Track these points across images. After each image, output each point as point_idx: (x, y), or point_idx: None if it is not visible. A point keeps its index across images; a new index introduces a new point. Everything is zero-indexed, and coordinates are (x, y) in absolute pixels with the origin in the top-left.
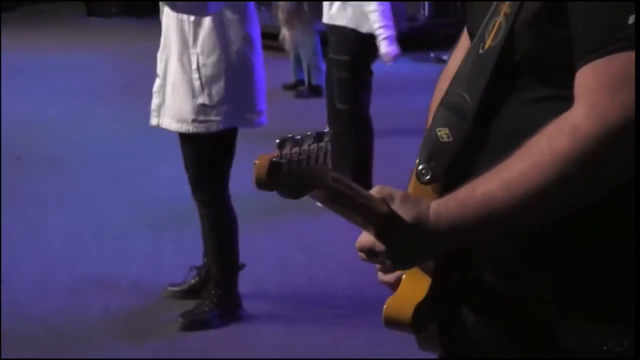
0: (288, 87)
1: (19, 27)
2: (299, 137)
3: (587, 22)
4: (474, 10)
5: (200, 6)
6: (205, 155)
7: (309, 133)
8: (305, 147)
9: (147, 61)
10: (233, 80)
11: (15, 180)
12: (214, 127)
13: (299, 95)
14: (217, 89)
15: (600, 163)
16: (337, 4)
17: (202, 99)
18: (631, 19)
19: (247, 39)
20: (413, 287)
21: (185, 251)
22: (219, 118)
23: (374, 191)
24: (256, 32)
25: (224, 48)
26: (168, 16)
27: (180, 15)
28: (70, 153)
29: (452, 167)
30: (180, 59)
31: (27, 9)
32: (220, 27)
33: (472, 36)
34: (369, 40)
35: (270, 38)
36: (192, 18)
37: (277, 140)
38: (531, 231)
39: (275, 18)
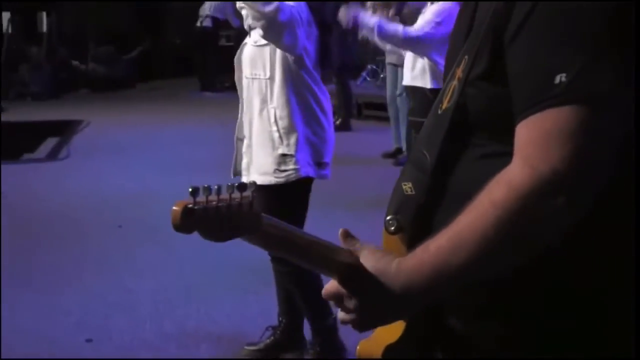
0: (388, 155)
1: (137, 103)
2: (216, 186)
3: (521, 82)
4: (446, 75)
5: (288, 44)
6: (285, 205)
7: (229, 184)
8: (225, 195)
9: None
10: (306, 131)
11: (115, 248)
12: (293, 176)
13: (398, 163)
14: (294, 139)
15: (533, 212)
16: (419, 65)
17: (281, 150)
18: (558, 78)
19: (314, 94)
20: (387, 329)
21: (266, 311)
22: (297, 167)
23: (345, 245)
24: (322, 89)
25: (296, 101)
26: (247, 78)
27: (256, 74)
28: (169, 223)
29: (415, 219)
30: (260, 115)
31: (146, 86)
32: (291, 82)
33: None
34: None
35: (376, 108)
36: (267, 74)
37: (190, 188)
38: (486, 280)
39: (380, 87)
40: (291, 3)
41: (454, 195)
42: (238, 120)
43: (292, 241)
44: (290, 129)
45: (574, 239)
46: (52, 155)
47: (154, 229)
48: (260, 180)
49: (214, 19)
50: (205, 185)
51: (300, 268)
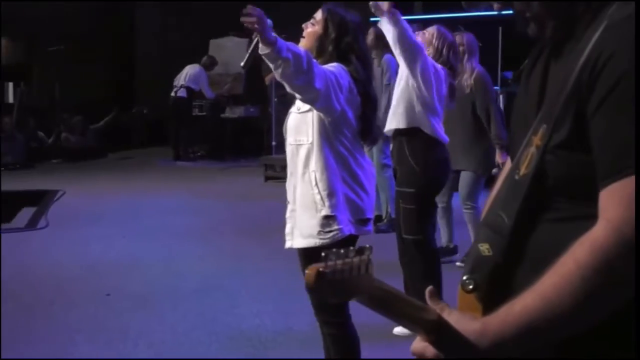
0: None
1: (111, 173)
2: (342, 250)
3: (604, 151)
4: (514, 140)
5: (312, 95)
6: None
7: (351, 248)
8: (348, 259)
9: (229, 201)
10: (346, 190)
11: (104, 317)
12: (338, 236)
13: (378, 231)
14: (335, 200)
15: (618, 269)
16: (399, 109)
17: (324, 211)
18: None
19: (354, 155)
20: None
21: None
22: (340, 227)
23: (433, 304)
24: (363, 154)
25: (335, 162)
26: (291, 145)
27: (300, 140)
28: (157, 290)
29: (492, 278)
30: (303, 179)
31: (118, 155)
32: (328, 145)
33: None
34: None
35: None
36: (310, 140)
37: (322, 254)
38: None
39: None
40: (331, 68)
41: (532, 257)
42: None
43: (390, 300)
44: (330, 190)
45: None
46: (32, 225)
47: (142, 297)
48: (305, 243)
49: (189, 89)
50: (334, 250)
51: (345, 332)
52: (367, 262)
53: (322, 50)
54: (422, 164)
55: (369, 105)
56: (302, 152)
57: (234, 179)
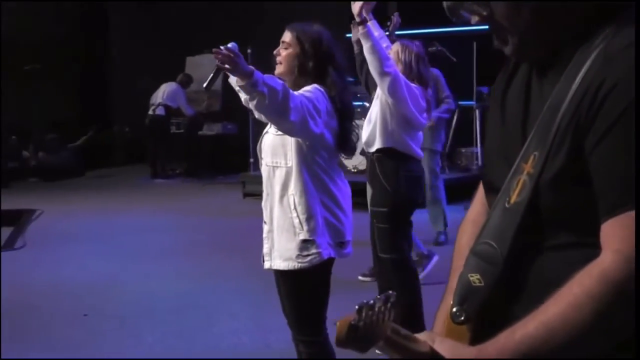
0: None
1: (88, 192)
2: (372, 301)
3: (606, 186)
4: (494, 167)
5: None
6: (309, 287)
7: (379, 296)
8: (376, 309)
9: (208, 218)
10: (325, 214)
11: (82, 337)
12: (316, 260)
13: (438, 243)
14: (314, 223)
15: (629, 300)
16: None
17: (302, 235)
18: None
19: (332, 177)
20: None
21: None
22: (319, 250)
23: (420, 335)
24: (340, 174)
25: (313, 186)
26: (268, 166)
27: (277, 162)
28: (134, 310)
29: (483, 309)
30: (281, 202)
31: (95, 174)
32: (306, 168)
33: (490, 189)
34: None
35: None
36: (288, 162)
37: (357, 307)
38: None
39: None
40: (308, 94)
41: (527, 286)
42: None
43: (398, 343)
44: (309, 214)
45: None
46: (9, 245)
47: (120, 318)
48: (284, 265)
49: (166, 107)
50: (366, 302)
51: (323, 351)
52: (390, 309)
53: (304, 68)
54: (394, 184)
55: (346, 117)
56: (280, 174)
57: (212, 196)
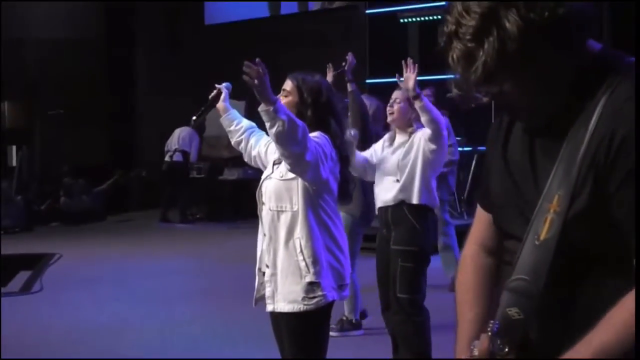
0: None
1: (109, 235)
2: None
3: (632, 227)
4: (504, 214)
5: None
6: (312, 329)
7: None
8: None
9: (228, 263)
10: (328, 257)
11: None
12: (322, 302)
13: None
14: (319, 266)
15: None
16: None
17: (309, 278)
18: None
19: (334, 221)
20: None
21: None
22: (324, 293)
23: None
24: (339, 217)
25: (318, 230)
26: (271, 211)
27: (283, 207)
28: (150, 354)
29: (524, 340)
30: (286, 245)
31: (117, 218)
32: (312, 212)
33: (503, 232)
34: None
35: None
36: (294, 207)
37: (473, 346)
38: None
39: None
40: (316, 139)
41: (565, 316)
42: (259, 252)
43: None
44: (315, 258)
45: None
46: (26, 289)
47: None
48: (289, 308)
49: (184, 153)
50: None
51: None
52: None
53: (302, 117)
54: (424, 223)
55: (346, 166)
56: (285, 218)
57: (233, 240)
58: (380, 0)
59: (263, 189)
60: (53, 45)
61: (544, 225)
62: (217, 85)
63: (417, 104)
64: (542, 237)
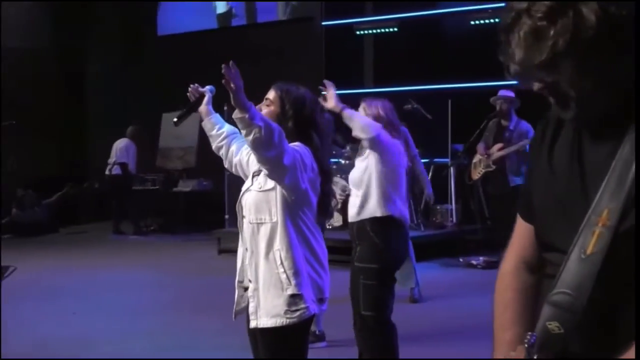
0: None
1: (63, 247)
2: None
3: None
4: (552, 227)
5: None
6: (294, 343)
7: None
8: None
9: (183, 275)
10: (308, 269)
11: None
12: (305, 314)
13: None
14: (300, 278)
15: None
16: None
17: (290, 290)
18: None
19: (314, 233)
20: None
21: None
22: (306, 305)
23: None
24: (319, 230)
25: (298, 241)
26: (251, 223)
27: (262, 218)
28: None
29: (564, 355)
30: (267, 258)
31: (70, 230)
32: (291, 223)
33: (549, 247)
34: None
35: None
36: (274, 218)
37: None
38: None
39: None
40: (296, 147)
41: (609, 331)
42: (239, 265)
43: None
44: (296, 269)
45: None
46: None
47: None
48: (272, 322)
49: (122, 165)
50: None
51: None
52: None
53: (282, 128)
54: (384, 239)
55: (327, 181)
56: (264, 230)
57: (188, 252)
58: (336, 12)
59: (243, 201)
60: (5, 55)
61: (592, 239)
62: (200, 89)
63: (344, 118)
64: (588, 252)
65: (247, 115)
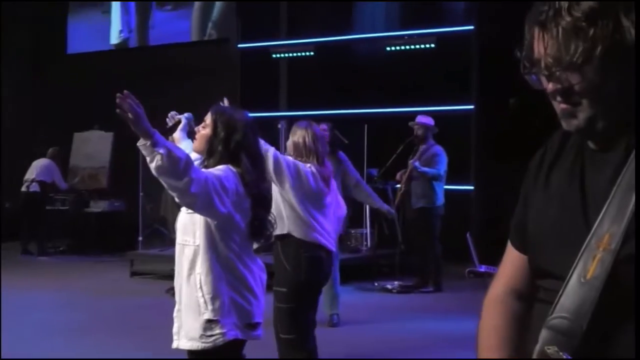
0: None
1: None
2: None
3: None
4: (549, 252)
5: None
6: None
7: None
8: None
9: (95, 297)
10: (232, 294)
11: None
12: (219, 340)
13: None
14: (218, 304)
15: None
16: None
17: (207, 315)
18: None
19: (242, 259)
20: None
21: None
22: (223, 331)
23: None
24: (253, 257)
25: (220, 267)
26: (179, 244)
27: (186, 240)
28: None
29: None
30: (188, 280)
31: None
32: (213, 248)
33: (543, 273)
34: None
35: None
36: (196, 241)
37: None
38: None
39: None
40: (217, 172)
41: (609, 356)
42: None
43: None
44: (214, 294)
45: None
46: None
47: None
48: (189, 345)
49: (41, 183)
50: None
51: None
52: None
53: (212, 151)
54: (293, 263)
55: (261, 205)
56: (188, 252)
57: (99, 274)
58: (252, 34)
59: (177, 222)
60: None
61: (592, 264)
62: (177, 116)
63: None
64: (588, 276)
65: (149, 143)
